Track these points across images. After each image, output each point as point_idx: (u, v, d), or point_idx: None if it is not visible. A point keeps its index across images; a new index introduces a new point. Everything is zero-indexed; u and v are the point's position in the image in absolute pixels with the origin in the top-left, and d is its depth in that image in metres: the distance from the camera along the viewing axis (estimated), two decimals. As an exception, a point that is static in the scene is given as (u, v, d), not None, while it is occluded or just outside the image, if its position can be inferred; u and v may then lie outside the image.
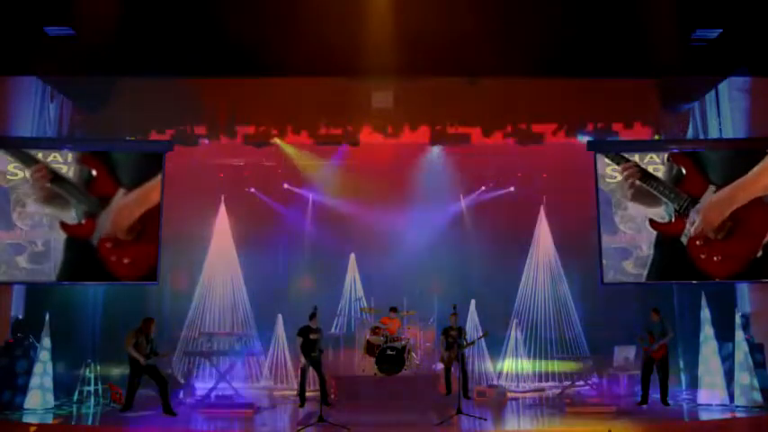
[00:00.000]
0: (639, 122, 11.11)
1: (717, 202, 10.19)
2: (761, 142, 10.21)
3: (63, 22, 8.29)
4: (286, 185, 13.54)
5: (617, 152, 10.54)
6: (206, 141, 11.24)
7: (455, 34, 8.25)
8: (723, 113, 10.59)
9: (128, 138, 10.99)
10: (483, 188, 13.51)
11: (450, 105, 10.86)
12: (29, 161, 10.09)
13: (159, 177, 10.26)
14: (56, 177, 10.12)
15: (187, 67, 9.39)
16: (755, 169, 10.20)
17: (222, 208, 12.74)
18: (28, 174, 10.07)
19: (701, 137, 10.87)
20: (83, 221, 10.10)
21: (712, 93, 10.65)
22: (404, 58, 8.53)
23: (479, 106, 10.77)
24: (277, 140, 11.63)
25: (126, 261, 10.07)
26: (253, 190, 13.35)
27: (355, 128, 11.10)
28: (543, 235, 12.61)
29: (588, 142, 10.76)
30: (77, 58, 8.74)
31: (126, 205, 10.18)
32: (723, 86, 10.46)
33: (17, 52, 8.88)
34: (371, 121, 10.98)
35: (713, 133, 10.70)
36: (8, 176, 10.05)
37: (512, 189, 13.35)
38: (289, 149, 12.38)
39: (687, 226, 10.16)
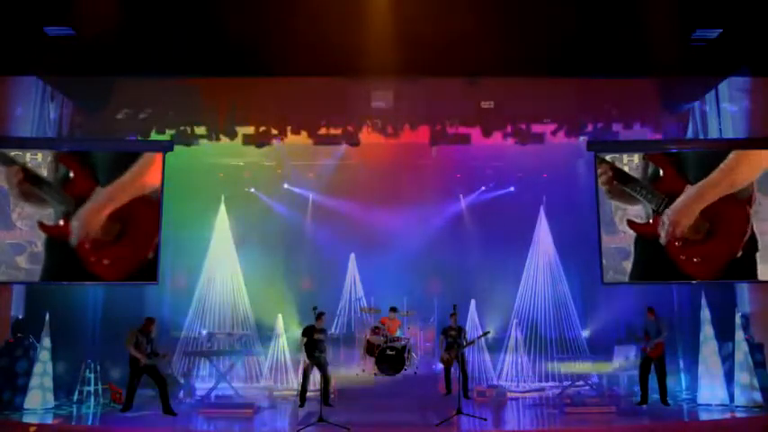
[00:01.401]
0: (639, 122, 11.10)
1: (685, 202, 10.19)
2: (760, 142, 10.20)
3: (63, 22, 8.29)
4: (286, 185, 13.56)
5: (616, 152, 10.51)
6: (206, 141, 11.23)
7: (455, 34, 8.25)
8: (723, 113, 10.59)
9: (128, 136, 10.98)
10: (483, 188, 13.55)
11: (450, 105, 10.87)
12: (8, 162, 10.03)
13: (128, 175, 10.18)
14: (34, 179, 10.02)
15: (187, 67, 9.40)
16: (722, 166, 10.19)
17: (222, 208, 12.74)
18: (4, 175, 9.99)
19: (701, 137, 10.87)
20: (60, 222, 10.03)
21: (712, 93, 10.64)
22: (404, 58, 8.53)
23: (479, 106, 10.78)
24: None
25: (106, 262, 9.99)
26: (253, 190, 13.38)
27: (355, 128, 11.10)
28: (543, 235, 12.60)
29: (588, 142, 10.76)
30: (77, 58, 8.74)
31: (102, 202, 10.11)
32: (723, 86, 10.46)
33: (17, 52, 8.88)
34: (371, 121, 10.98)
35: (713, 133, 10.69)
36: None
37: (512, 189, 13.37)
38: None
39: (659, 227, 10.15)
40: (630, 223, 10.27)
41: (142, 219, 10.10)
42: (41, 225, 10.00)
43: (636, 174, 10.40)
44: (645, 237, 10.24)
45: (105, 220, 10.06)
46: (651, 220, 10.23)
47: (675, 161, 10.37)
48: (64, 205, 10.07)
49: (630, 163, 10.44)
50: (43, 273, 9.94)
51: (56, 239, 10.00)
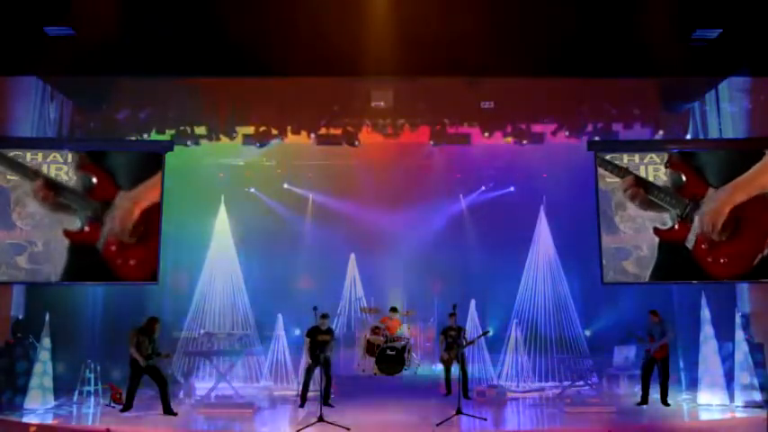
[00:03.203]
0: (639, 122, 11.10)
1: (715, 203, 10.08)
2: (761, 142, 10.19)
3: (63, 22, 8.28)
4: (286, 185, 13.58)
5: (616, 152, 10.44)
6: (206, 141, 11.23)
7: (455, 34, 8.25)
8: (723, 113, 10.58)
9: (128, 138, 10.99)
10: (483, 188, 13.56)
11: (450, 105, 10.87)
12: (30, 175, 9.97)
13: (158, 176, 10.14)
14: (58, 188, 9.96)
15: (187, 67, 9.39)
16: (755, 168, 10.12)
17: (222, 208, 12.73)
18: (29, 187, 9.93)
19: (701, 137, 10.86)
20: (86, 228, 9.97)
21: (712, 93, 10.64)
22: (404, 58, 8.52)
23: (479, 106, 10.78)
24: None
25: (132, 263, 9.95)
26: (253, 190, 13.39)
27: (355, 128, 11.11)
28: (543, 235, 12.57)
29: (588, 142, 10.74)
30: (77, 58, 8.73)
31: (127, 206, 10.05)
32: (723, 86, 10.46)
33: (17, 52, 8.87)
34: (371, 121, 10.99)
35: (713, 133, 10.68)
36: (8, 176, 10.01)
37: (512, 189, 13.38)
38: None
39: (690, 233, 10.02)
40: (656, 230, 10.14)
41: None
42: (66, 232, 9.90)
43: (659, 179, 10.27)
44: (671, 242, 10.10)
45: (133, 222, 10.00)
46: (677, 226, 10.12)
47: (696, 164, 10.24)
48: (89, 211, 9.97)
49: (651, 162, 10.31)
50: (64, 275, 9.85)
51: (80, 245, 9.92)
